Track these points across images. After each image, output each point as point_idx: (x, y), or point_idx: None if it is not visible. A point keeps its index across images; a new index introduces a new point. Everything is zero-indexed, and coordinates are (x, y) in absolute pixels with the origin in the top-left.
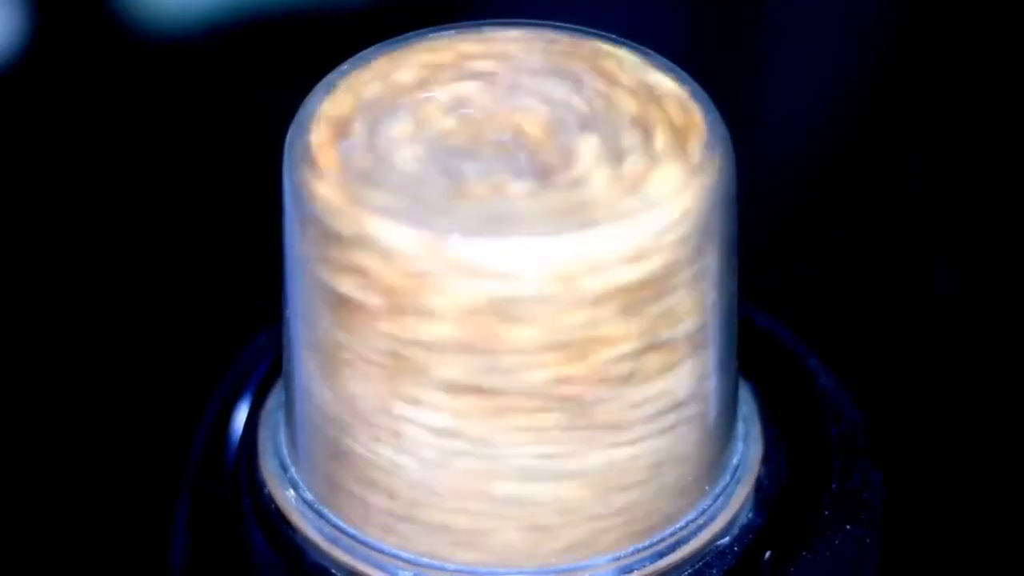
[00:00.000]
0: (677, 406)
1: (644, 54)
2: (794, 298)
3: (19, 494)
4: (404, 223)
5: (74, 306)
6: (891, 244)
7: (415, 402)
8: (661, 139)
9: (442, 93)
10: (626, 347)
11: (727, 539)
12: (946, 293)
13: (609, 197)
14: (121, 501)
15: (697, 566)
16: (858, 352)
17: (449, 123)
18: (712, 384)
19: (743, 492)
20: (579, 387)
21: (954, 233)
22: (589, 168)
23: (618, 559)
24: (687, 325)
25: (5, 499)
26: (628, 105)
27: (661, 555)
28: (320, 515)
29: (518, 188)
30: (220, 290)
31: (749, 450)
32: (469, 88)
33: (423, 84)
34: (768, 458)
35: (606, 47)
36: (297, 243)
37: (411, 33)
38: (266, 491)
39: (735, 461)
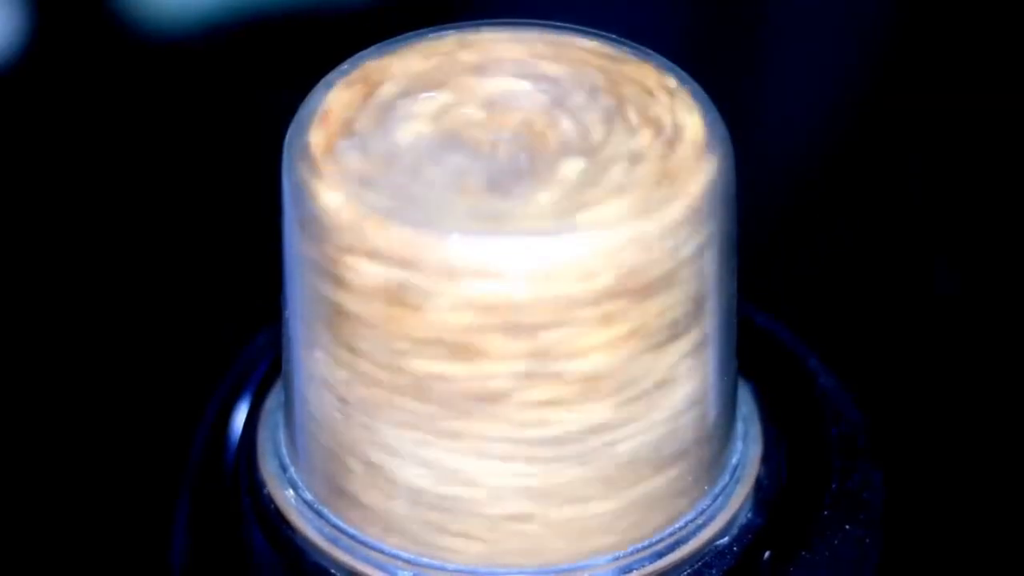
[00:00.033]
0: (677, 405)
1: (644, 54)
2: (794, 298)
3: (19, 494)
4: (403, 223)
5: (74, 306)
6: (891, 244)
7: (415, 402)
8: (661, 139)
9: (442, 93)
10: (625, 347)
11: (726, 539)
12: (946, 293)
13: (608, 198)
14: (121, 501)
15: (696, 566)
16: (858, 352)
17: (449, 123)
18: (712, 384)
19: (742, 492)
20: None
21: (954, 233)
22: (587, 169)
23: (617, 559)
24: (686, 324)
25: (5, 499)
26: (628, 105)
27: (660, 555)
28: (320, 515)
29: (517, 189)
30: (220, 290)
31: (749, 450)
32: (469, 88)
33: (423, 84)
34: (768, 458)
35: (605, 47)
36: (297, 243)
37: (411, 33)
38: (266, 491)
39: (735, 461)
